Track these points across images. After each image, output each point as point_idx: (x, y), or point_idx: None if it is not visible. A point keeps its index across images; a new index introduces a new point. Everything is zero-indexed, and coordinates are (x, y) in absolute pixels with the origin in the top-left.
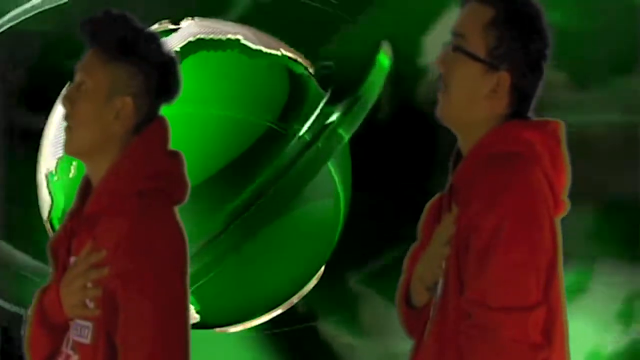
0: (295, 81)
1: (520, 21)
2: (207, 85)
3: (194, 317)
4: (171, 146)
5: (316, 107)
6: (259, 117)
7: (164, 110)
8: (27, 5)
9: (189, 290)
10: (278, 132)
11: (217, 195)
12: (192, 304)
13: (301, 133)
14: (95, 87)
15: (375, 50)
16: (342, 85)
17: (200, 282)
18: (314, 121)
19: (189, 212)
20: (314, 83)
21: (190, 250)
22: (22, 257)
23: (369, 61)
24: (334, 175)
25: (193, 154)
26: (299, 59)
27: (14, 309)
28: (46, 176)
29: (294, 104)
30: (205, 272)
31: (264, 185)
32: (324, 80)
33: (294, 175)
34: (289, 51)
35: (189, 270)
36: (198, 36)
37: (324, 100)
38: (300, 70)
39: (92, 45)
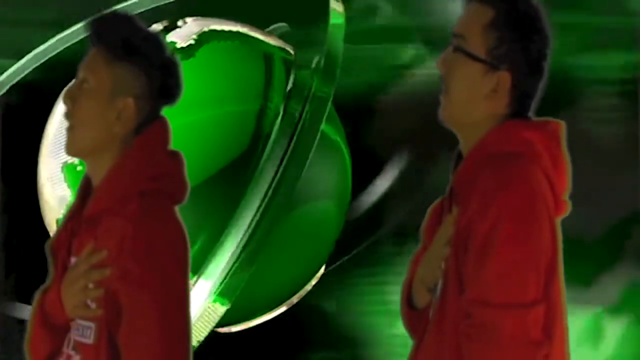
0: (289, 70)
1: (521, 21)
2: (216, 81)
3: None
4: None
5: (303, 89)
6: (258, 104)
7: (172, 120)
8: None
9: (190, 290)
10: (268, 113)
11: (225, 191)
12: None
13: (283, 107)
14: (97, 85)
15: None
16: (307, 49)
17: (251, 269)
18: (293, 91)
19: (202, 210)
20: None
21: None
22: None
23: (323, 14)
24: (343, 149)
25: (199, 155)
26: (291, 51)
27: None
28: (62, 169)
29: (286, 88)
30: (253, 258)
31: (272, 169)
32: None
33: (297, 148)
34: (282, 44)
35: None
36: (211, 27)
37: (294, 69)
38: (291, 60)
39: (96, 44)
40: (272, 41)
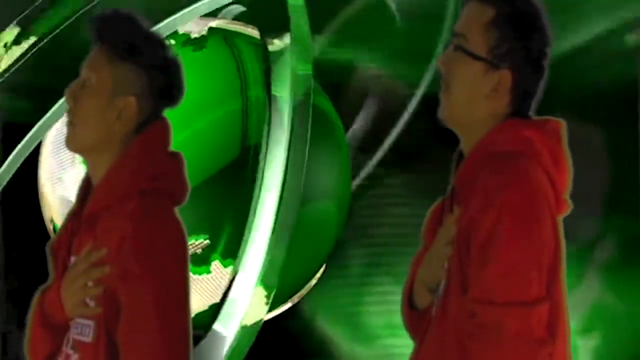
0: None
1: (521, 20)
2: (216, 79)
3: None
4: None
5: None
6: (241, 98)
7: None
8: None
9: (190, 288)
10: (250, 105)
11: (228, 188)
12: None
13: (265, 93)
14: (99, 84)
15: None
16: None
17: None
18: (272, 75)
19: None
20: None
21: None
22: None
23: None
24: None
25: (201, 158)
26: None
27: None
28: (82, 162)
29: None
30: (285, 235)
31: (276, 153)
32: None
33: (294, 128)
34: (243, 28)
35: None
36: (216, 24)
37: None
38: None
39: (99, 43)
40: (236, 28)
